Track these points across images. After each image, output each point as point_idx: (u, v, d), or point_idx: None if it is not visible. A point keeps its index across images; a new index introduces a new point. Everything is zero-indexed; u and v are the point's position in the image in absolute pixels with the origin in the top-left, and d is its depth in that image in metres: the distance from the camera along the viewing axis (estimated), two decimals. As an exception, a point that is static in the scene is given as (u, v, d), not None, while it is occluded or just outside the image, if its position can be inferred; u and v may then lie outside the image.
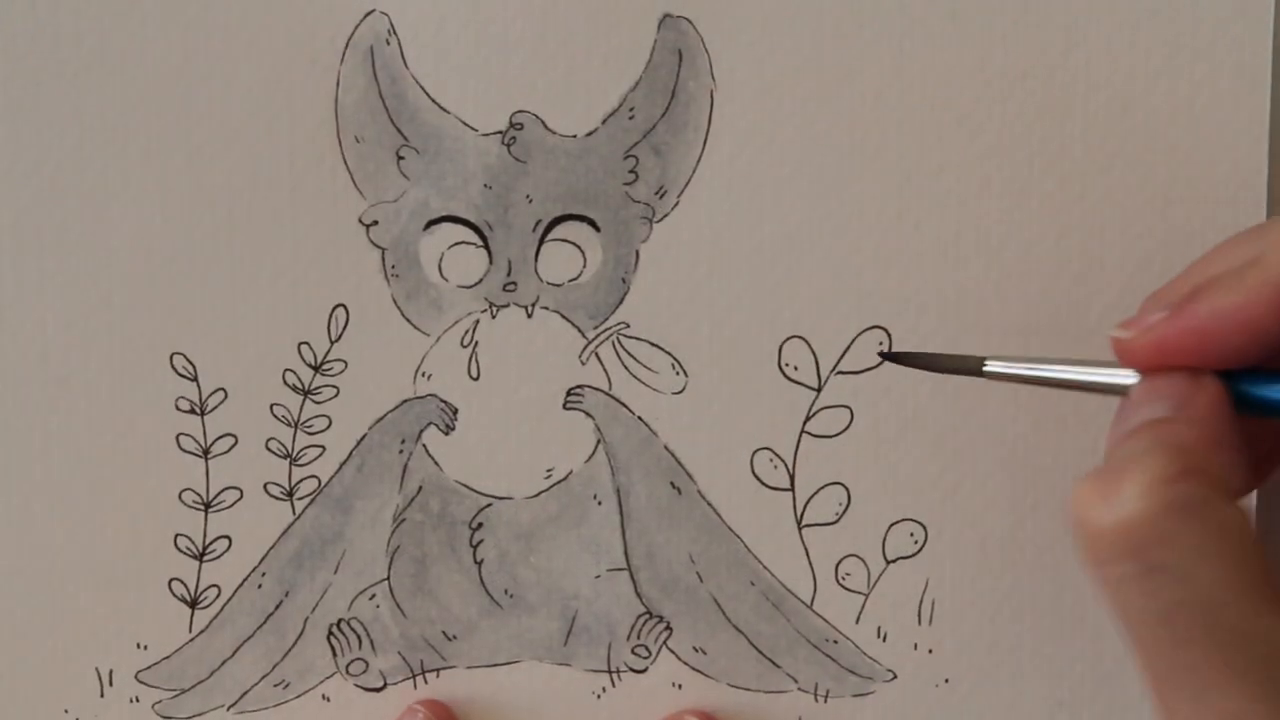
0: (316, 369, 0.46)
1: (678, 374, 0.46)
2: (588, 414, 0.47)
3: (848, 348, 0.46)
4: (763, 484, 0.47)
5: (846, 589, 0.47)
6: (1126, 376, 0.40)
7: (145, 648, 0.47)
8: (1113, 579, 0.37)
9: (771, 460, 0.47)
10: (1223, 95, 0.45)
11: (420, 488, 0.47)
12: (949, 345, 0.46)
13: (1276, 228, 0.40)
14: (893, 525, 0.47)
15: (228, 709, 0.47)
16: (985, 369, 0.42)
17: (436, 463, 0.47)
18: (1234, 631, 0.36)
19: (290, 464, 0.46)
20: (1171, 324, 0.39)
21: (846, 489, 0.47)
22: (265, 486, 0.47)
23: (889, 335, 0.46)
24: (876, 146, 0.46)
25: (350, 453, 0.47)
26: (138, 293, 0.46)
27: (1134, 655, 0.37)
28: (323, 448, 0.46)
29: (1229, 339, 0.39)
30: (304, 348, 0.46)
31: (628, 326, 0.46)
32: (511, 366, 0.46)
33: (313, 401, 0.46)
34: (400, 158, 0.46)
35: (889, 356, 0.46)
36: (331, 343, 0.46)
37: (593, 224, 0.46)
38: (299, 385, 0.46)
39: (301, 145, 0.46)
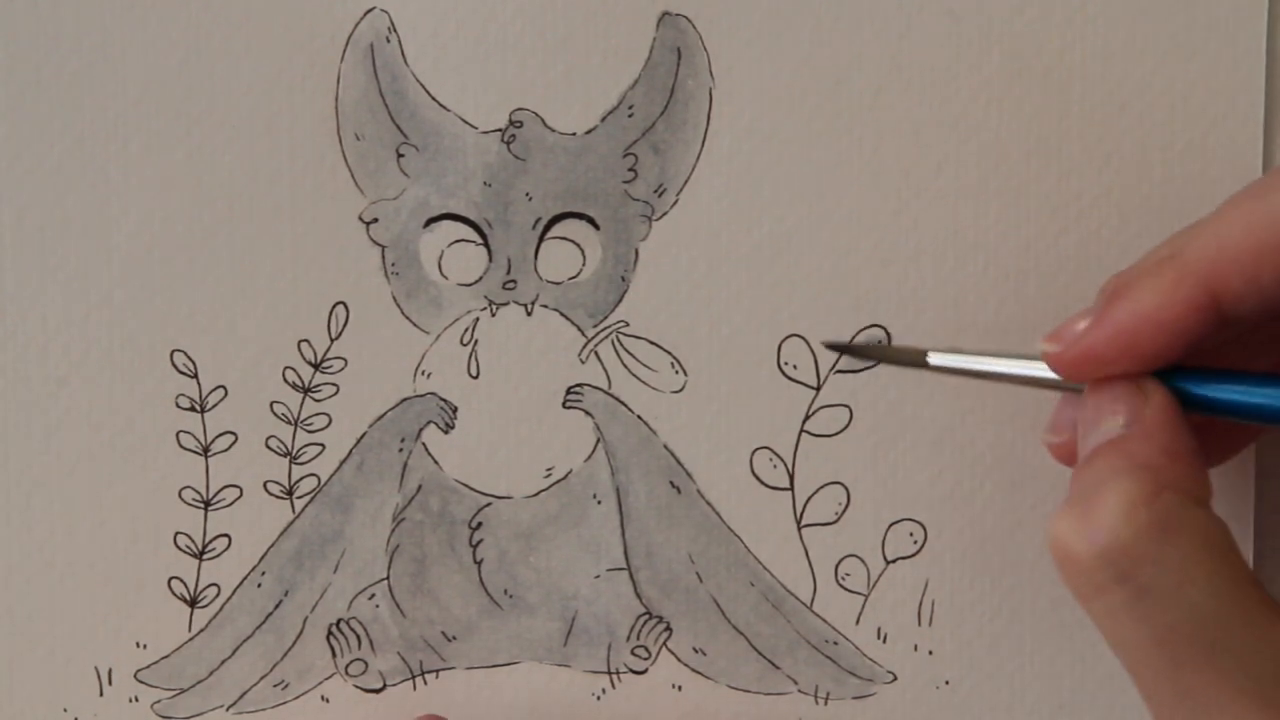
0: (316, 367, 0.46)
1: (677, 373, 0.46)
2: (587, 412, 0.47)
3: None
4: (762, 483, 0.47)
5: (846, 589, 0.47)
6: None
7: (144, 647, 0.47)
8: (1102, 609, 0.36)
9: (771, 460, 0.47)
10: (1218, 93, 0.45)
11: (420, 486, 0.47)
12: (947, 343, 0.46)
13: (1194, 227, 0.39)
14: (892, 525, 0.47)
15: (227, 709, 0.47)
16: (929, 362, 0.42)
17: (436, 461, 0.47)
18: (1231, 647, 0.35)
19: (290, 462, 0.46)
20: (1096, 332, 0.39)
21: (846, 489, 0.47)
22: (265, 485, 0.46)
23: (888, 333, 0.46)
24: (875, 144, 0.46)
25: (350, 451, 0.47)
26: (138, 289, 0.46)
27: (1134, 682, 0.36)
28: (322, 446, 0.46)
29: (1153, 339, 0.38)
30: (304, 345, 0.46)
31: (627, 325, 0.46)
32: (511, 365, 0.46)
33: (312, 399, 0.46)
34: (400, 155, 0.46)
35: (833, 347, 0.45)
36: (331, 340, 0.46)
37: (592, 222, 0.46)
38: (299, 383, 0.46)
39: (301, 143, 0.46)
